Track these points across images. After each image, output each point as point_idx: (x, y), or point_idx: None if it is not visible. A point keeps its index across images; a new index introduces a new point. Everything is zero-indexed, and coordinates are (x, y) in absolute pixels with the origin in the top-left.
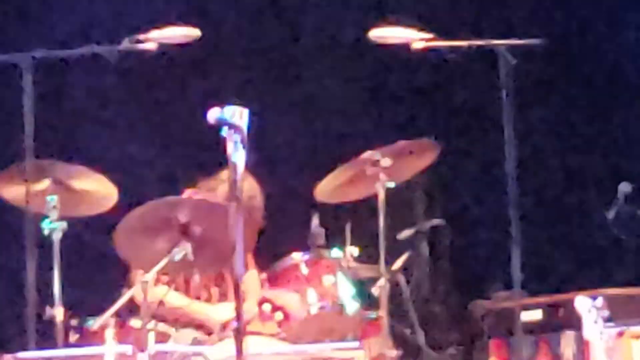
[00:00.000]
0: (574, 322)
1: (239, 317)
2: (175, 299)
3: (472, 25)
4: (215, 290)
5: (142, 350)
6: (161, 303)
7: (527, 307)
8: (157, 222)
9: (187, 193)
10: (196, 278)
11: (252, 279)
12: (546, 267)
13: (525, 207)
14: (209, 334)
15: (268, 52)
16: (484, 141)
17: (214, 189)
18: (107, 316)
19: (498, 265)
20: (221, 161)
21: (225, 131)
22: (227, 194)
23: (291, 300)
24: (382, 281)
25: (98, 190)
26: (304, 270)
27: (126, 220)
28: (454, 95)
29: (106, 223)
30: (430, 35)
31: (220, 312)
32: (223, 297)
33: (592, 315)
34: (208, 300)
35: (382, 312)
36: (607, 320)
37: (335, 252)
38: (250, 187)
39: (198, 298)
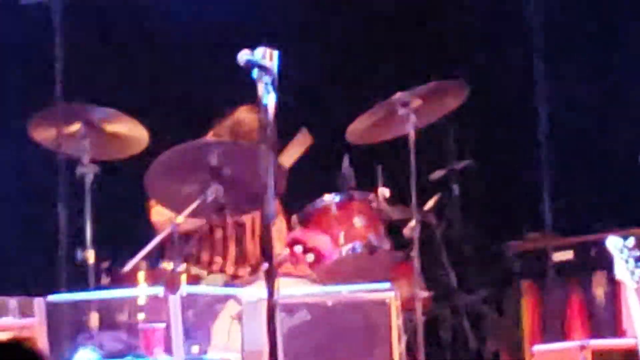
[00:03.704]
0: (606, 262)
1: (269, 258)
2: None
3: None
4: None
5: (174, 293)
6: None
7: (558, 248)
8: (187, 164)
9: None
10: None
11: (278, 225)
12: (577, 207)
13: (557, 147)
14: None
15: None
16: (516, 81)
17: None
18: (139, 258)
19: (529, 206)
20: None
21: (255, 73)
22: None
23: (322, 242)
24: (413, 222)
25: (129, 133)
26: (335, 211)
27: (157, 163)
28: (483, 34)
29: (138, 166)
30: None
31: None
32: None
33: (623, 255)
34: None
35: (414, 254)
36: (639, 260)
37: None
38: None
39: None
